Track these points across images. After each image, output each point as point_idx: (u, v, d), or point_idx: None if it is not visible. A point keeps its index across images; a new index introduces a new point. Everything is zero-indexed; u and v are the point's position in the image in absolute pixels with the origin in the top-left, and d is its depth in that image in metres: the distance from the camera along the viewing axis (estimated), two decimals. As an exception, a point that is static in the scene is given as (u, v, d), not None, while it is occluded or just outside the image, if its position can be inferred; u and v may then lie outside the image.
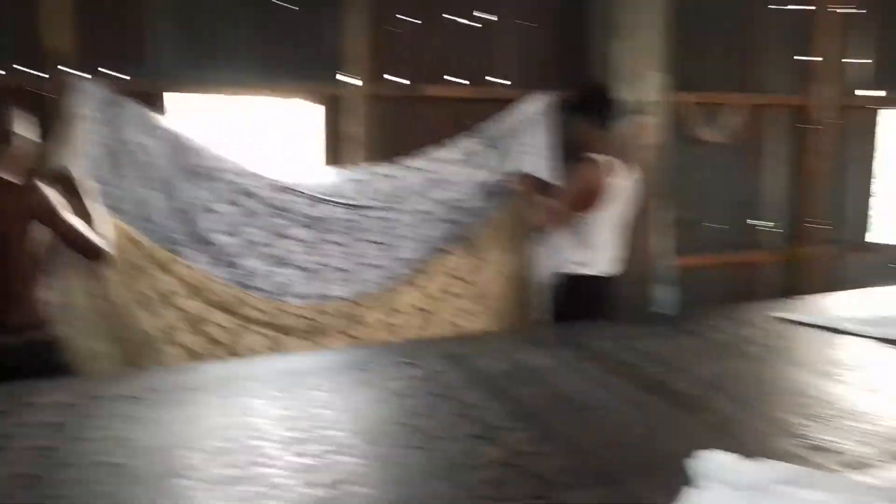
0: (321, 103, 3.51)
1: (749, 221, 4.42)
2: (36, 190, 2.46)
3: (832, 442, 1.47)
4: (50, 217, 2.46)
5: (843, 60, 4.49)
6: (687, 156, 4.07)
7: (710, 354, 2.26)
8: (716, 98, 4.11)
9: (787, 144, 4.40)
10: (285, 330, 3.04)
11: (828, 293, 3.30)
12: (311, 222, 3.17)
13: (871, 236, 4.86)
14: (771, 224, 4.40)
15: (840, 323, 2.59)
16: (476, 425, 1.48)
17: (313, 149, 3.57)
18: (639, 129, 3.24)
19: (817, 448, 1.43)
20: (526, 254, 3.33)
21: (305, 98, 3.50)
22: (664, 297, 3.49)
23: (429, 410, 1.58)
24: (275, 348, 3.02)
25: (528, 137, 3.33)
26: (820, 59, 4.31)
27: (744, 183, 4.34)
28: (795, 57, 4.36)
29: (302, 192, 3.15)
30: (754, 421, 1.58)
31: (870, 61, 4.54)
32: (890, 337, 2.41)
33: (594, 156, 3.05)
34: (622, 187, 3.14)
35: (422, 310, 3.21)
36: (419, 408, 1.60)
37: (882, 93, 4.55)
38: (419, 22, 3.46)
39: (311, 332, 3.08)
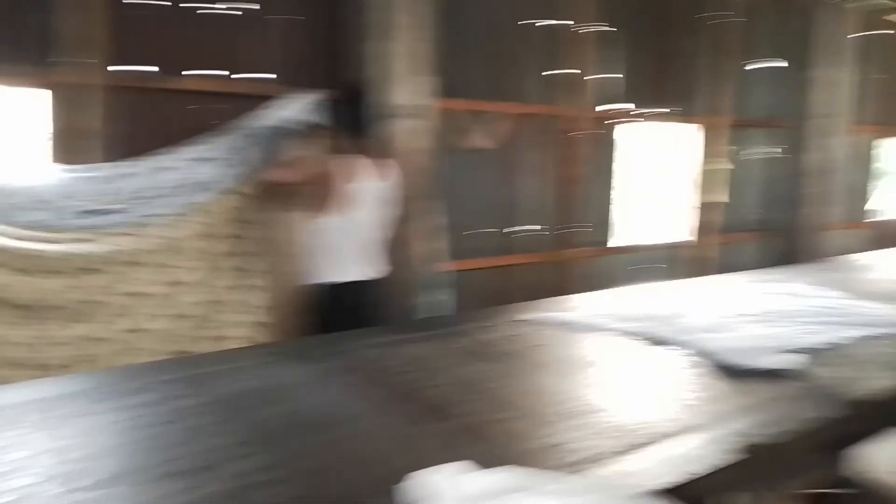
0: (47, 91, 3.08)
1: (516, 226, 4.65)
2: None
3: (571, 440, 1.50)
4: None
5: (599, 76, 4.90)
6: (456, 162, 4.18)
7: (472, 357, 2.27)
8: (482, 105, 4.26)
9: (548, 152, 4.70)
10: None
11: (586, 292, 3.55)
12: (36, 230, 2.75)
13: (625, 238, 5.36)
14: (536, 227, 4.67)
15: (593, 320, 2.77)
16: (199, 456, 1.31)
17: (37, 144, 3.12)
18: (404, 132, 3.24)
19: (557, 447, 1.46)
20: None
21: (27, 84, 3.05)
22: (435, 301, 3.52)
23: (148, 443, 1.38)
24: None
25: (285, 135, 3.19)
26: (574, 72, 4.65)
27: (510, 188, 4.56)
28: (555, 70, 4.68)
29: (23, 195, 2.73)
30: (505, 424, 1.59)
31: (617, 76, 5.01)
32: (632, 331, 2.61)
33: (340, 157, 3.01)
34: (372, 191, 3.13)
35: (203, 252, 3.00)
36: (137, 440, 1.40)
37: (630, 106, 5.03)
38: (166, 4, 3.17)
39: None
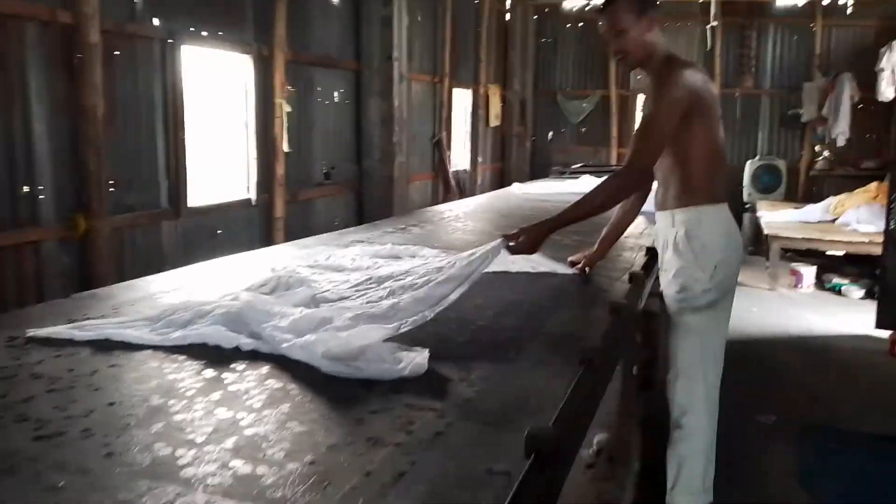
0: None
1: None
2: None
3: None
4: None
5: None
6: None
7: None
8: None
9: (49, 75, 3.33)
10: None
11: (121, 282, 2.52)
12: None
13: (189, 198, 4.27)
14: (40, 188, 3.31)
15: (125, 331, 1.80)
16: None
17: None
18: None
19: None
20: None
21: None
22: None
23: None
24: None
25: None
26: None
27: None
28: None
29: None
30: None
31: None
32: (189, 342, 1.73)
33: None
34: None
35: None
36: None
37: (156, 22, 3.90)
38: None
39: None
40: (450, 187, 7.90)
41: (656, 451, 2.73)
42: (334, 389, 1.50)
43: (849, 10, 9.33)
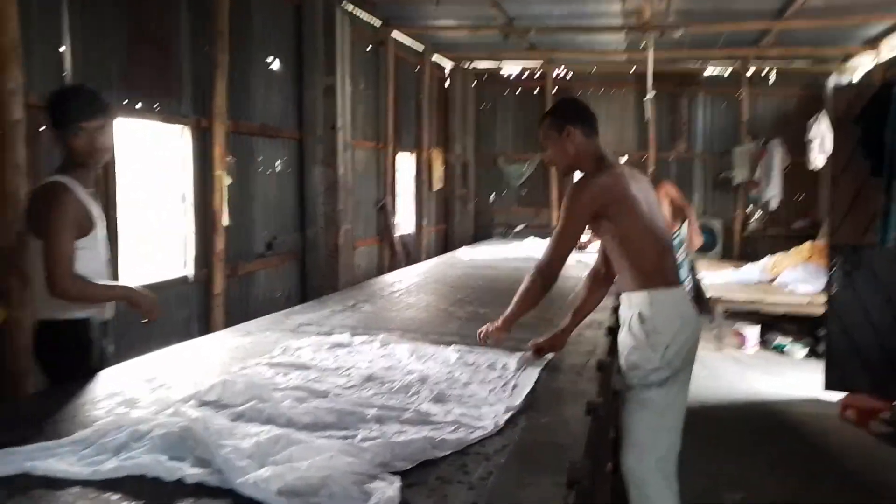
0: None
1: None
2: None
3: None
4: None
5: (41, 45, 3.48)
6: None
7: None
8: None
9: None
10: None
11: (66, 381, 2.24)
12: None
13: (120, 278, 3.98)
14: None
15: (39, 461, 1.54)
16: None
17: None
18: None
19: None
20: None
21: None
22: None
23: None
24: None
25: None
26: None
27: None
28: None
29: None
30: None
31: (74, 51, 3.67)
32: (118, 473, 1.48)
33: None
34: None
35: None
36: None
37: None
38: None
39: None
40: (395, 252, 7.76)
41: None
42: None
43: (771, 81, 9.80)
